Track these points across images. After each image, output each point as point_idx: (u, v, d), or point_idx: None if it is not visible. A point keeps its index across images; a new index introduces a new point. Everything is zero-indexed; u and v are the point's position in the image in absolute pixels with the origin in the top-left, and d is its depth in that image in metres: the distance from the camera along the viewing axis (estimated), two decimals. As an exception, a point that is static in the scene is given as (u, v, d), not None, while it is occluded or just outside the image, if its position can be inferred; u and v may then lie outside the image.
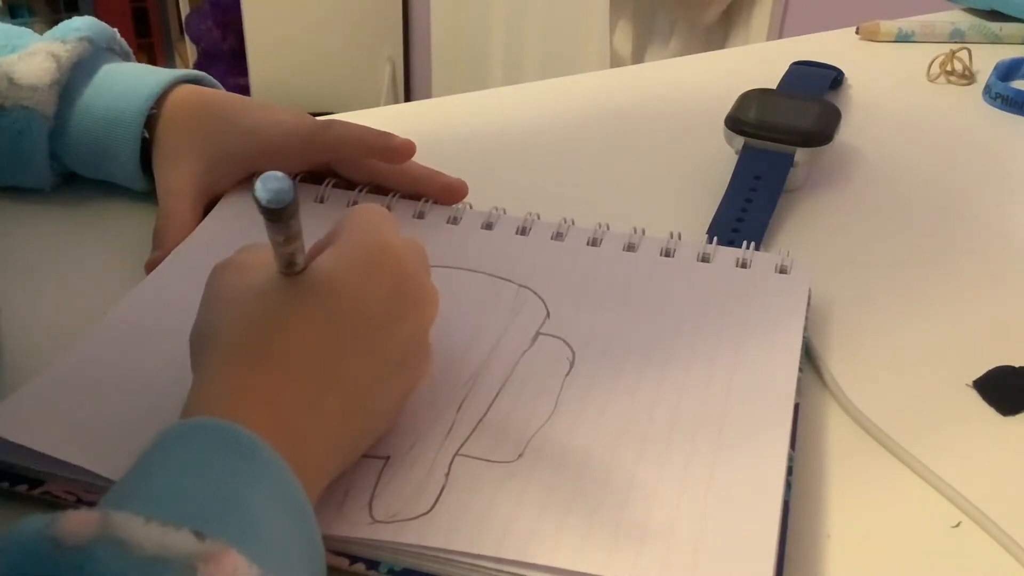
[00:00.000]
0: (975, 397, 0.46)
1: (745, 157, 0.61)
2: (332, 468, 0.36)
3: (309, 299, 0.35)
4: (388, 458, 0.38)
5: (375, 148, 0.53)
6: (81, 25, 0.57)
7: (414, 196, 0.54)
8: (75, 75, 0.55)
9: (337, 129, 0.54)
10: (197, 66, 2.62)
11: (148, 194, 0.56)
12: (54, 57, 0.54)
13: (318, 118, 0.55)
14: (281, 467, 0.31)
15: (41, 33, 0.57)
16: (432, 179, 0.54)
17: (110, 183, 0.57)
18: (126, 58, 0.60)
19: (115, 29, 0.59)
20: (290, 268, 0.35)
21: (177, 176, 0.54)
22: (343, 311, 0.36)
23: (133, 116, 0.54)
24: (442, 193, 0.54)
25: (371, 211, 0.40)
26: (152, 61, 2.83)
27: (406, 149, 0.53)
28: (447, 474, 0.38)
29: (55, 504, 0.38)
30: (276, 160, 0.54)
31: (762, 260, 0.50)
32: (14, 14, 2.88)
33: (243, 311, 0.35)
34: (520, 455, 0.39)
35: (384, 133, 0.53)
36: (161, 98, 0.55)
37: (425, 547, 0.35)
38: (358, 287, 0.36)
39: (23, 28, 0.58)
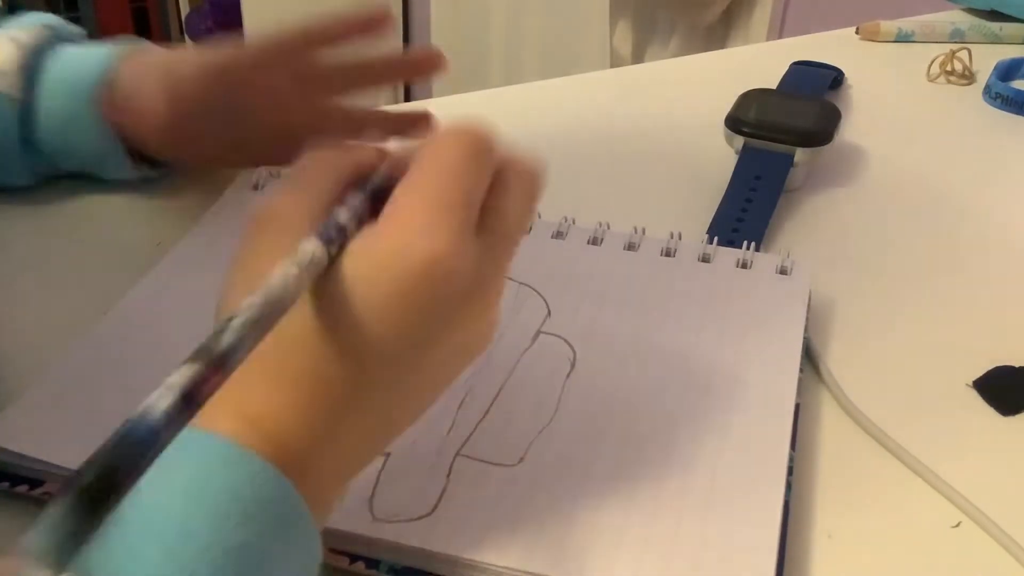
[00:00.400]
0: (975, 397, 0.46)
1: (745, 157, 0.61)
2: (339, 486, 0.33)
3: (333, 322, 0.30)
4: (388, 455, 0.38)
5: (355, 25, 0.53)
6: (33, 17, 0.57)
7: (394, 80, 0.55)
8: (38, 59, 0.55)
9: (311, 24, 0.53)
10: (197, 66, 2.61)
11: (142, 193, 0.56)
12: (16, 42, 0.54)
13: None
14: (244, 456, 0.28)
15: None
16: (408, 57, 0.55)
17: (98, 184, 0.57)
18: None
19: (60, 18, 0.59)
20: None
21: (141, 102, 0.53)
22: (368, 340, 0.30)
23: (92, 78, 0.53)
24: (421, 65, 0.55)
25: (447, 171, 0.32)
26: (152, 61, 2.82)
27: (384, 16, 0.53)
28: (448, 475, 0.38)
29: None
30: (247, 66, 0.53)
31: (763, 261, 0.50)
32: (14, 13, 2.88)
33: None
34: (522, 459, 0.39)
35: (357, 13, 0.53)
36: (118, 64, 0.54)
37: (428, 550, 0.35)
38: (385, 314, 0.30)
39: None
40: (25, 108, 0.54)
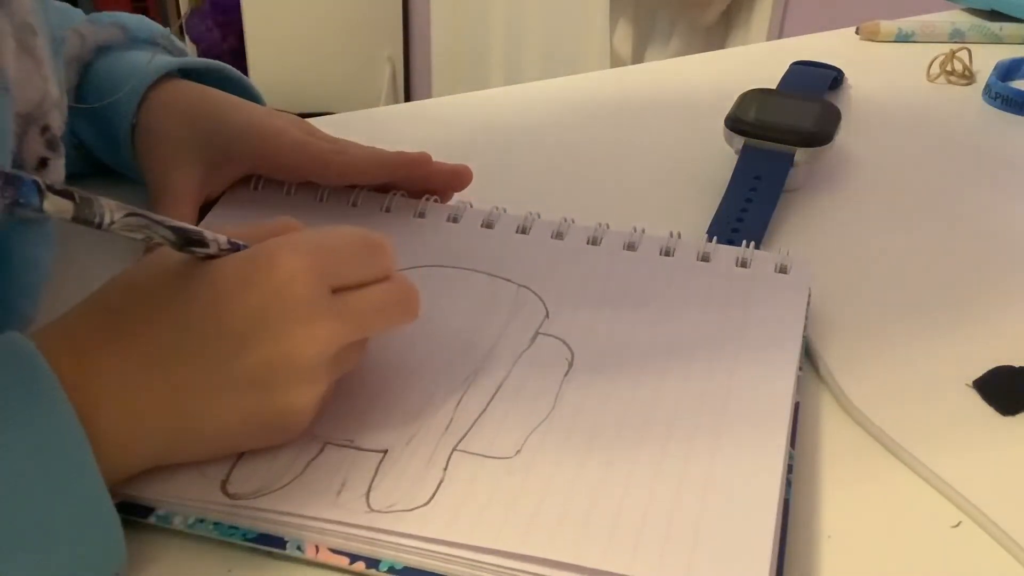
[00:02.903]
0: (975, 397, 0.46)
1: (745, 157, 0.61)
2: (132, 451, 0.35)
3: (179, 288, 0.36)
4: (386, 452, 0.39)
5: (394, 167, 0.53)
6: (121, 16, 0.56)
7: (418, 193, 0.54)
8: (98, 57, 0.54)
9: (351, 157, 0.53)
10: (197, 66, 2.61)
11: (144, 192, 0.56)
12: (80, 36, 0.54)
13: (319, 128, 0.54)
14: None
15: None
16: (439, 171, 0.54)
17: (99, 183, 0.57)
18: (177, 55, 0.58)
19: (168, 29, 0.58)
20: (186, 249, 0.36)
21: (176, 179, 0.53)
22: (198, 310, 0.36)
23: (127, 103, 0.53)
24: (451, 180, 0.54)
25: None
26: (152, 61, 2.82)
27: (424, 160, 0.53)
28: (445, 468, 0.38)
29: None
30: (278, 168, 0.53)
31: (762, 259, 0.50)
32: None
33: (138, 277, 0.37)
34: (518, 451, 0.39)
35: (397, 153, 0.53)
36: (157, 85, 0.53)
37: (424, 538, 0.35)
38: (224, 293, 0.36)
39: (77, 9, 0.57)
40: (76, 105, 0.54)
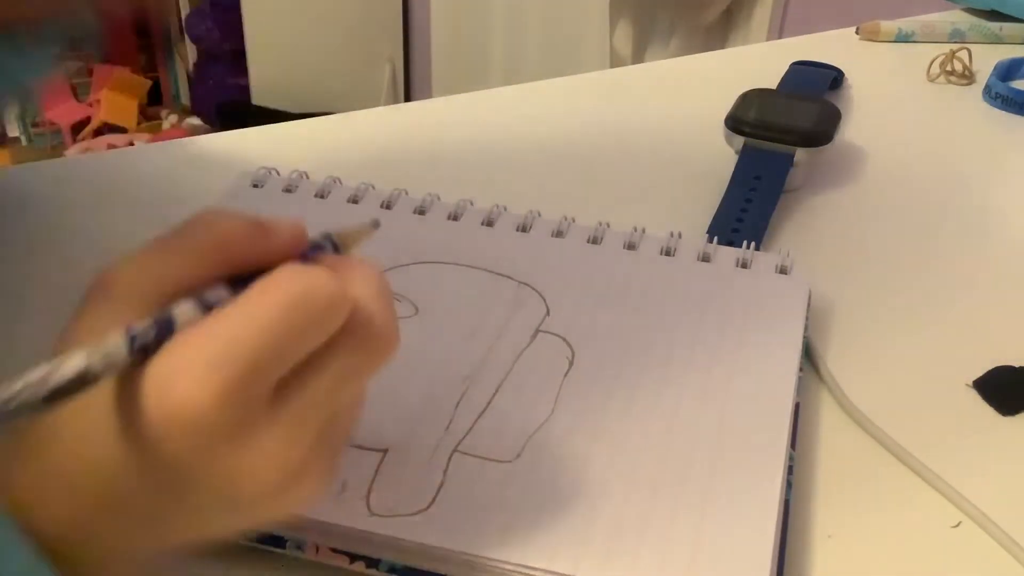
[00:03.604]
0: (975, 397, 0.46)
1: (745, 157, 0.61)
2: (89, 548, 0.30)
3: (97, 445, 0.29)
4: (386, 451, 0.38)
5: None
6: None
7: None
8: None
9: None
10: (197, 66, 2.62)
11: (143, 191, 0.56)
12: None
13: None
14: None
15: None
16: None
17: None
18: None
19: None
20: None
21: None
22: (111, 469, 0.29)
23: None
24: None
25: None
26: (152, 61, 2.83)
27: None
28: (445, 471, 0.38)
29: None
30: None
31: (762, 260, 0.50)
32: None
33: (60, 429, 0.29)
34: (519, 455, 0.39)
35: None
36: None
37: (424, 544, 0.35)
38: (136, 454, 0.29)
39: (42, 60, 0.45)
40: None
